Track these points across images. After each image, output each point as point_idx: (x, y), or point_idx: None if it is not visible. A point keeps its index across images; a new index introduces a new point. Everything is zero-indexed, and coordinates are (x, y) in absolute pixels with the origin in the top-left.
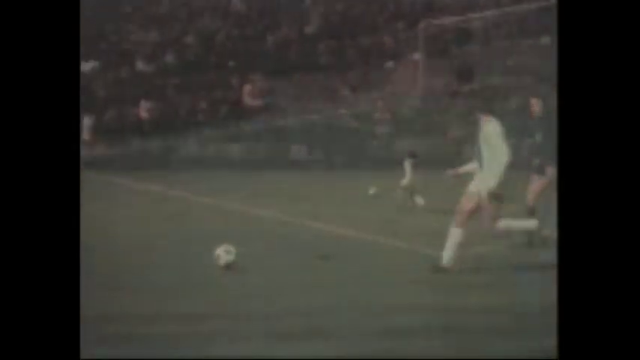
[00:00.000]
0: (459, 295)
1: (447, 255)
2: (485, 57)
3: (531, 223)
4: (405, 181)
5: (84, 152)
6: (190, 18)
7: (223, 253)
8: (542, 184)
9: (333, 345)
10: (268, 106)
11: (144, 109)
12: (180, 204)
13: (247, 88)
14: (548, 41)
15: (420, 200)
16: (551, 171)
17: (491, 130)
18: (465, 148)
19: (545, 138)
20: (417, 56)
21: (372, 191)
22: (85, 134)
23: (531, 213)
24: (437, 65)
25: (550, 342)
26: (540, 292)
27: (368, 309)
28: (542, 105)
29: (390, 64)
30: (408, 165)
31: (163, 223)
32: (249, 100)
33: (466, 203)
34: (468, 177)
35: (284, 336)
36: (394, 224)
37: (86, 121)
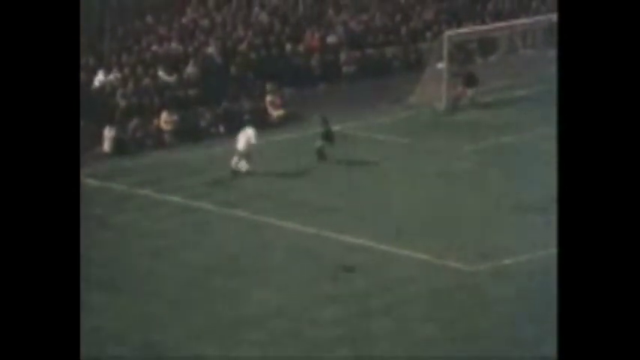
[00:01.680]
0: (482, 306)
1: None
2: (510, 67)
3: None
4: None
5: (105, 164)
6: (212, 28)
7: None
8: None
9: (358, 354)
10: (291, 116)
11: (165, 121)
12: (201, 215)
13: (269, 98)
14: None
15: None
16: None
17: None
18: None
19: None
20: (441, 66)
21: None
22: (106, 146)
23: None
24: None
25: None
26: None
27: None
28: None
29: (414, 73)
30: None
31: (184, 234)
32: (271, 111)
33: None
34: None
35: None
36: (423, 236)
37: (107, 133)
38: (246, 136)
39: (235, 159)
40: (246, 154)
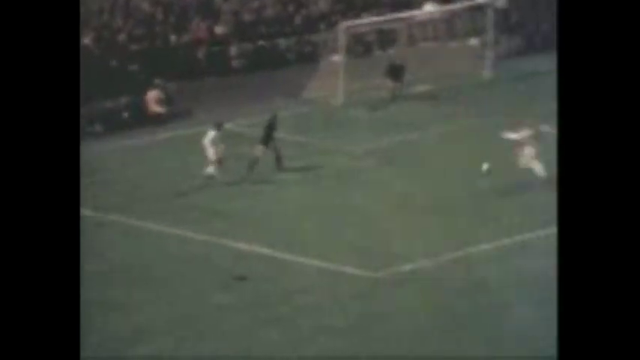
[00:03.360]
0: (382, 314)
1: None
2: (410, 59)
3: None
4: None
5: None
6: (87, 16)
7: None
8: None
9: None
10: (176, 113)
11: None
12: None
13: (153, 93)
14: (477, 43)
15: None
16: None
17: None
18: None
19: None
20: (338, 58)
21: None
22: None
23: None
24: (359, 68)
25: None
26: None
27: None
28: None
29: (309, 66)
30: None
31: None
32: (154, 107)
33: None
34: None
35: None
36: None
37: None
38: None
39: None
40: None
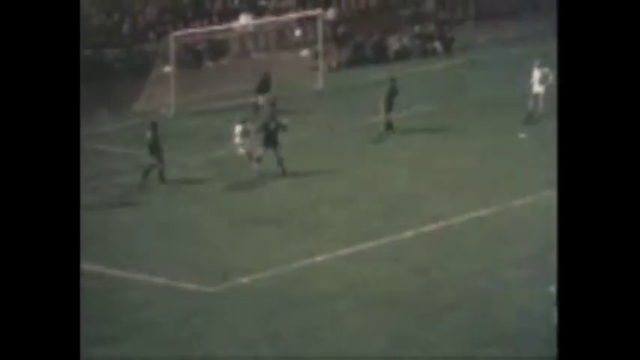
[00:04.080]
0: (220, 329)
1: None
2: (242, 71)
3: None
4: None
5: None
6: None
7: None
8: None
9: None
10: None
11: None
12: None
13: None
14: (308, 54)
15: None
16: None
17: None
18: None
19: None
20: (169, 69)
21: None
22: None
23: None
24: (191, 78)
25: None
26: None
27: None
28: None
29: (139, 78)
30: None
31: None
32: None
33: None
34: None
35: None
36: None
37: None
38: None
39: None
40: None
